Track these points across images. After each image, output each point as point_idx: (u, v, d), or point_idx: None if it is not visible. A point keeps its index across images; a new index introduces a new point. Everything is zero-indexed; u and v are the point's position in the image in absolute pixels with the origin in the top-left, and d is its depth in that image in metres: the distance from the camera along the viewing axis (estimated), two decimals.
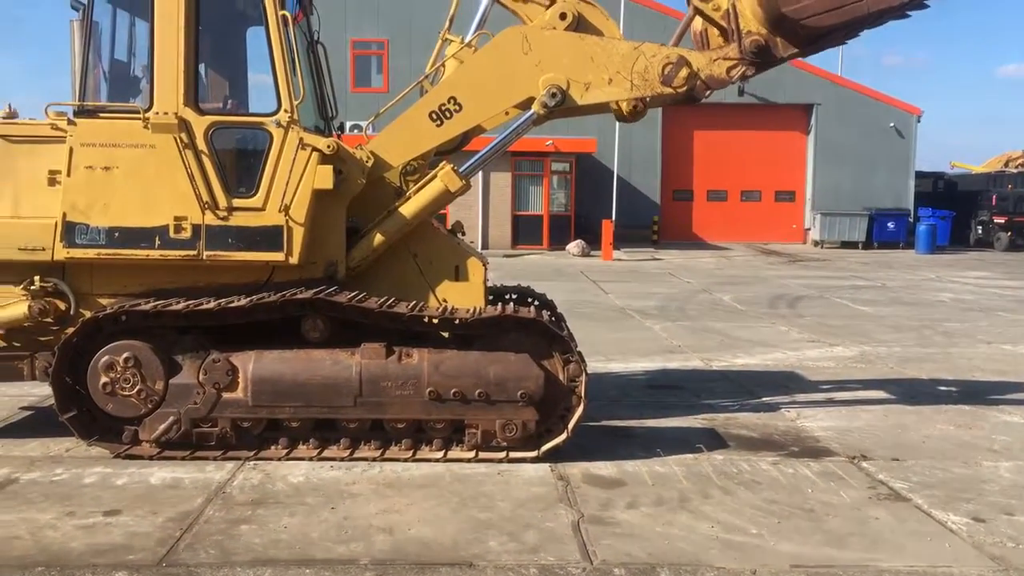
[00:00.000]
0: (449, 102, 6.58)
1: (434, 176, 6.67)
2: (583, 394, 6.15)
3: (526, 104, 6.65)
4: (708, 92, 6.67)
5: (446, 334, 6.52)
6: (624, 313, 14.14)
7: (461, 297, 6.75)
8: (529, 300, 7.74)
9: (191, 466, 5.98)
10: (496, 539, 4.76)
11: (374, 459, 6.13)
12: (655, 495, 5.49)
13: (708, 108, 31.34)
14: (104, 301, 6.52)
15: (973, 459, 6.30)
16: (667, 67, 6.47)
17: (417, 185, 6.72)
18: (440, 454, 6.19)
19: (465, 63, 6.80)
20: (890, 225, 30.90)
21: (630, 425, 7.12)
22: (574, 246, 26.67)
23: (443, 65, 7.05)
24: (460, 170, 6.70)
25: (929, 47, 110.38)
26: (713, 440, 6.74)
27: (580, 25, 6.63)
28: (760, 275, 21.51)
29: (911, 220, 31.25)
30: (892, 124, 32.16)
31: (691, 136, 31.87)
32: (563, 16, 6.58)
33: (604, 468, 6.02)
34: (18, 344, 6.61)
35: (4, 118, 6.62)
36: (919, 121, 32.68)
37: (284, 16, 6.42)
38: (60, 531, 4.82)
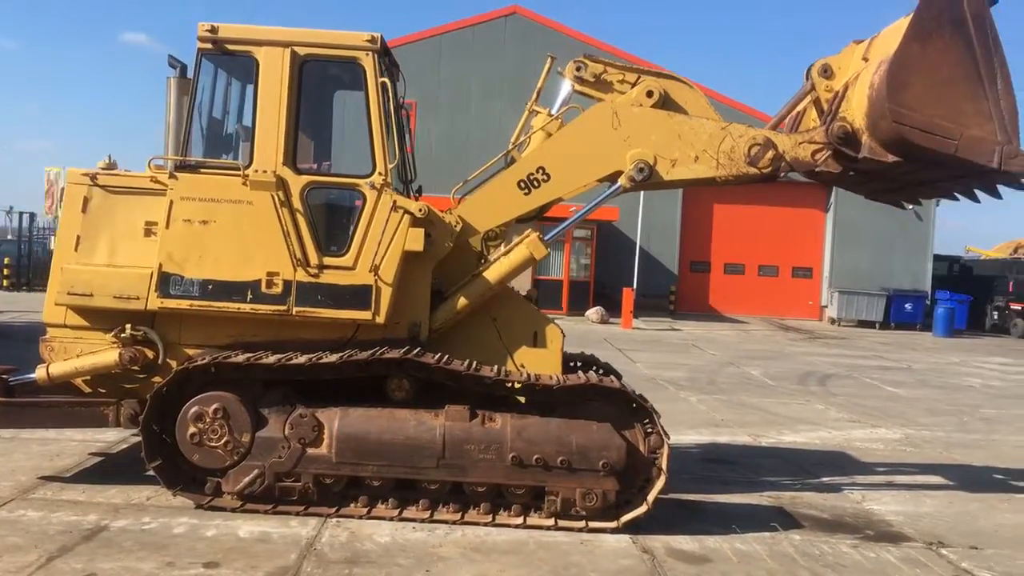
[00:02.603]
0: (538, 172, 6.75)
1: (520, 243, 6.82)
2: (664, 467, 6.19)
3: (613, 177, 6.82)
4: (789, 171, 6.83)
5: (523, 399, 6.60)
6: (656, 383, 14.17)
7: (538, 363, 6.83)
8: (595, 368, 7.82)
9: (275, 520, 6.00)
10: None
11: (454, 522, 6.15)
12: (744, 573, 5.51)
13: None
14: (191, 351, 6.61)
15: None
16: (754, 148, 6.64)
17: (503, 251, 6.85)
18: (519, 520, 6.21)
19: (555, 135, 6.97)
20: (907, 306, 31.03)
21: (698, 499, 7.13)
22: (593, 312, 26.76)
23: (529, 136, 7.23)
24: (545, 238, 6.86)
25: None
26: (786, 519, 6.75)
27: (666, 102, 6.83)
28: (784, 351, 21.56)
29: (928, 302, 31.38)
30: (911, 206, 32.44)
31: (710, 209, 32.18)
32: (650, 94, 6.78)
33: (685, 543, 6.03)
34: (103, 390, 6.69)
35: (104, 168, 6.78)
36: (937, 204, 33.00)
37: (383, 83, 6.63)
38: None
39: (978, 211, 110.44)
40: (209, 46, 6.63)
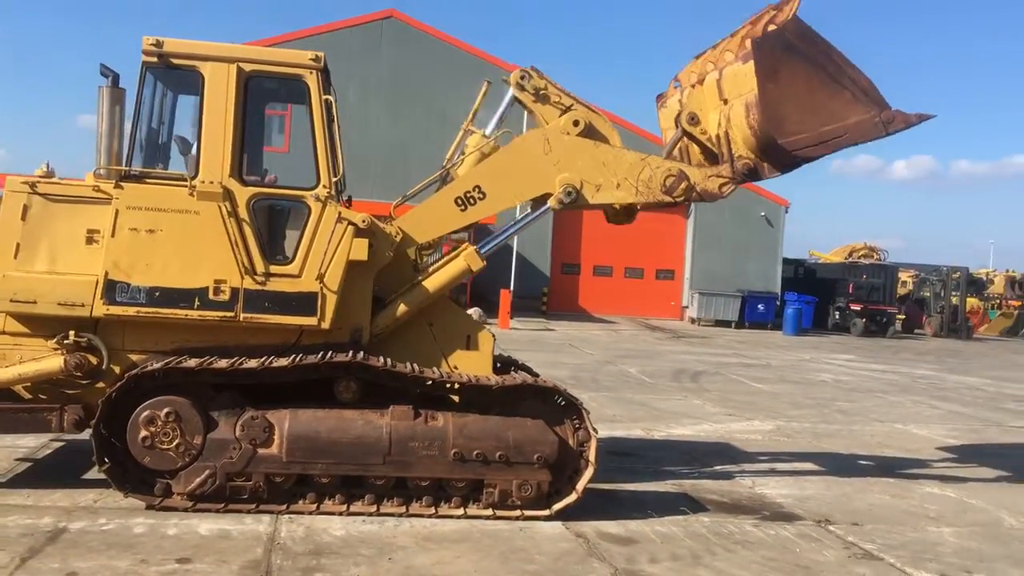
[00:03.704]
0: (474, 190, 7.25)
1: (457, 255, 7.30)
2: (593, 459, 6.81)
3: (543, 198, 7.39)
4: (698, 200, 7.59)
5: (457, 399, 7.07)
6: None
7: (471, 365, 7.33)
8: (513, 368, 8.36)
9: (228, 518, 6.26)
10: None
11: (400, 515, 6.57)
12: (668, 552, 6.18)
13: None
14: (134, 357, 6.77)
15: (918, 525, 7.29)
16: (669, 179, 7.35)
17: (441, 262, 7.32)
18: (460, 511, 6.69)
19: (492, 157, 7.47)
20: (760, 307, 33.09)
21: (612, 488, 7.77)
22: (473, 313, 27.15)
23: (463, 156, 7.71)
24: (481, 250, 7.36)
25: None
26: (692, 504, 7.49)
27: (590, 132, 7.44)
28: (654, 349, 22.76)
29: (778, 303, 33.56)
30: (763, 213, 34.65)
31: (580, 213, 33.29)
32: (576, 123, 7.38)
33: (612, 527, 6.66)
34: (44, 396, 6.75)
35: (42, 176, 6.83)
36: (787, 211, 35.35)
37: (327, 100, 6.97)
38: None
39: (816, 217, 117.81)
40: (154, 59, 6.81)
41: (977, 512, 7.82)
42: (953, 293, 37.62)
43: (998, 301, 46.54)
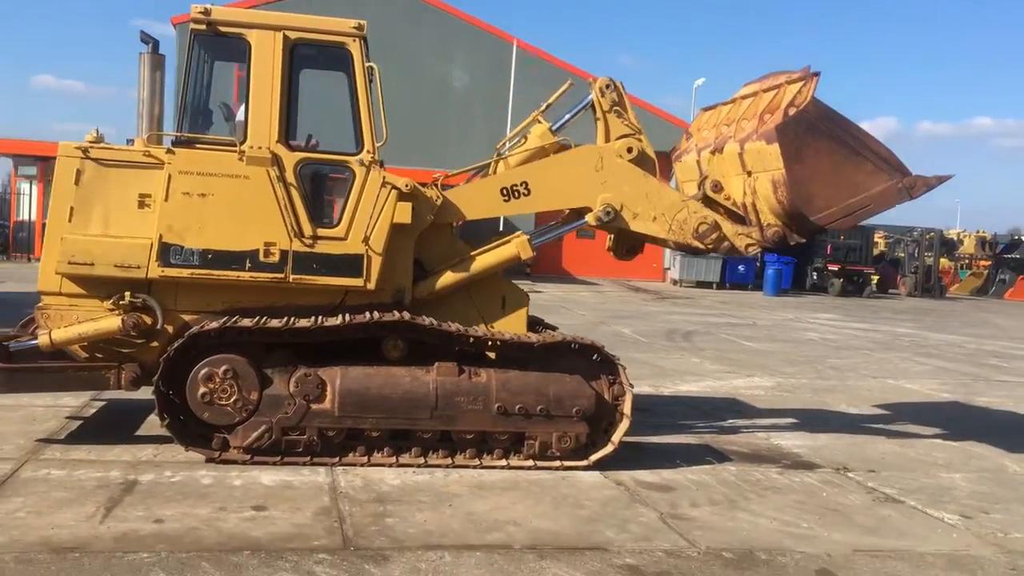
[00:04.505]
0: (521, 185, 7.54)
1: (509, 241, 7.64)
2: (628, 412, 7.16)
3: (582, 211, 7.70)
4: (727, 252, 7.90)
5: (494, 356, 7.38)
6: None
7: (506, 324, 7.65)
8: (540, 327, 8.69)
9: (285, 470, 6.56)
10: (608, 530, 5.69)
11: (446, 466, 6.90)
12: (706, 498, 6.57)
13: None
14: (187, 317, 7.00)
15: (930, 472, 7.74)
16: (703, 226, 7.64)
17: (493, 244, 7.65)
18: (502, 462, 7.03)
19: (545, 160, 7.76)
20: (740, 268, 33.63)
21: (638, 441, 8.13)
22: None
23: (525, 138, 8.01)
24: (534, 241, 7.66)
25: None
26: (716, 455, 7.89)
27: (641, 160, 7.73)
28: (642, 310, 23.19)
29: (758, 264, 34.12)
30: None
31: None
32: (630, 150, 7.67)
33: (647, 476, 7.03)
34: (100, 356, 6.98)
35: (91, 142, 6.99)
36: None
37: (370, 67, 7.18)
38: (230, 523, 5.37)
39: None
40: (202, 27, 6.96)
41: (981, 459, 8.29)
42: (927, 254, 38.45)
43: (968, 261, 47.61)
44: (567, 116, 8.03)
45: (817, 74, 7.12)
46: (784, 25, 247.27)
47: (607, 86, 7.81)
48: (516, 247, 7.61)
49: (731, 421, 9.48)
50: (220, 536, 5.15)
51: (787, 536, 5.80)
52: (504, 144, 8.14)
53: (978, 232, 50.21)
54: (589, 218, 7.64)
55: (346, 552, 5.03)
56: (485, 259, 7.57)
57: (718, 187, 7.87)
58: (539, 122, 7.98)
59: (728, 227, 7.70)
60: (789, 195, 7.17)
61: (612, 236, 8.27)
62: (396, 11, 32.28)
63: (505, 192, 7.52)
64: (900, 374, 14.09)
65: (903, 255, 39.46)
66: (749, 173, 7.56)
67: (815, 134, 7.12)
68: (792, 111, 7.13)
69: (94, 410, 8.20)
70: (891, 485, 7.19)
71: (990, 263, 45.21)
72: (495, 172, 7.91)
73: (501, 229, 8.05)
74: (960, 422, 10.16)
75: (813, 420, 9.80)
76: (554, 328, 8.81)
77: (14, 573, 4.46)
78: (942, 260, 41.52)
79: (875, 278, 37.01)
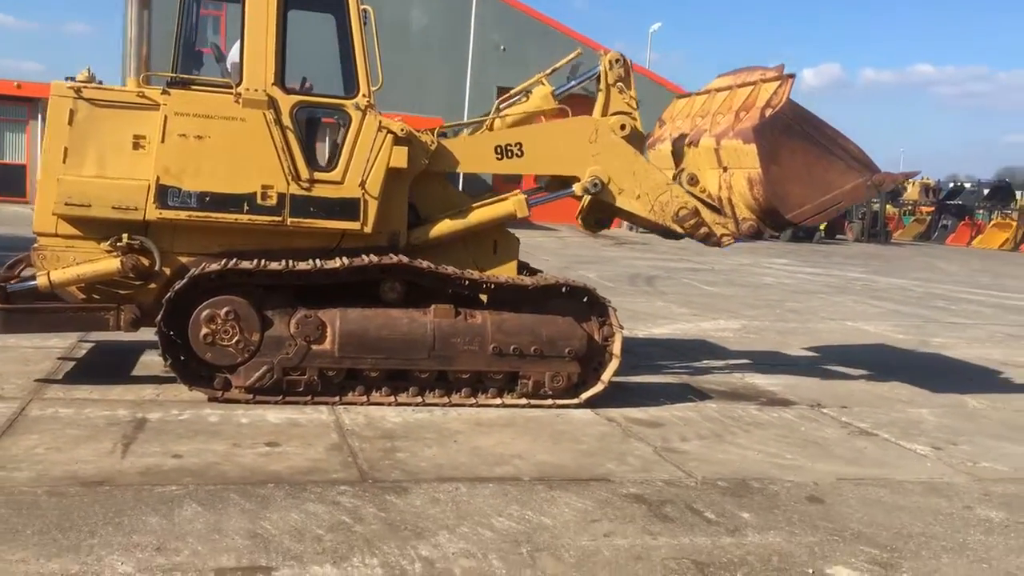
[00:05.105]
0: (515, 146, 7.67)
1: (507, 198, 7.78)
2: (618, 352, 7.42)
3: (569, 180, 7.86)
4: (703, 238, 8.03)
5: (485, 298, 7.57)
6: None
7: (498, 267, 7.83)
8: (526, 271, 8.88)
9: (289, 409, 6.71)
10: (608, 463, 5.97)
11: (444, 405, 7.11)
12: (694, 432, 6.89)
13: None
14: (184, 259, 7.06)
15: (897, 407, 8.16)
16: (683, 211, 7.83)
17: (491, 199, 7.81)
18: (497, 400, 7.27)
19: (542, 124, 7.93)
20: None
21: (622, 380, 8.40)
22: None
23: (526, 95, 8.13)
24: (531, 201, 7.82)
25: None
26: (696, 393, 8.21)
27: (633, 138, 7.88)
28: (603, 255, 23.54)
29: None
30: None
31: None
32: (623, 127, 7.80)
33: (636, 413, 7.33)
34: (97, 297, 7.02)
35: (83, 82, 6.94)
36: None
37: (365, 10, 7.20)
38: (248, 458, 5.53)
39: None
40: None
41: (943, 396, 8.74)
42: (873, 201, 39.30)
43: (911, 207, 48.80)
44: (572, 83, 8.20)
45: (792, 76, 7.34)
46: None
47: (616, 60, 7.94)
48: (513, 205, 7.76)
49: (705, 362, 9.83)
50: (242, 470, 5.31)
51: (774, 467, 6.14)
52: (506, 100, 8.24)
53: (922, 179, 51.33)
54: (576, 187, 7.80)
55: (365, 484, 5.24)
56: (482, 213, 7.71)
57: (694, 180, 8.05)
58: (543, 84, 8.08)
59: (708, 216, 7.91)
60: (765, 193, 7.40)
61: (585, 205, 8.40)
62: None
63: (499, 150, 7.65)
64: (857, 316, 14.61)
65: None
66: (725, 168, 7.77)
67: (790, 135, 7.35)
68: (768, 112, 7.33)
69: (84, 351, 8.24)
70: (863, 420, 7.59)
71: (932, 209, 46.46)
72: (491, 128, 8.01)
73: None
74: (919, 361, 10.66)
75: (782, 360, 10.21)
76: (539, 271, 9.03)
77: (49, 506, 4.58)
78: (887, 207, 42.51)
79: (823, 224, 37.81)
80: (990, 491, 5.88)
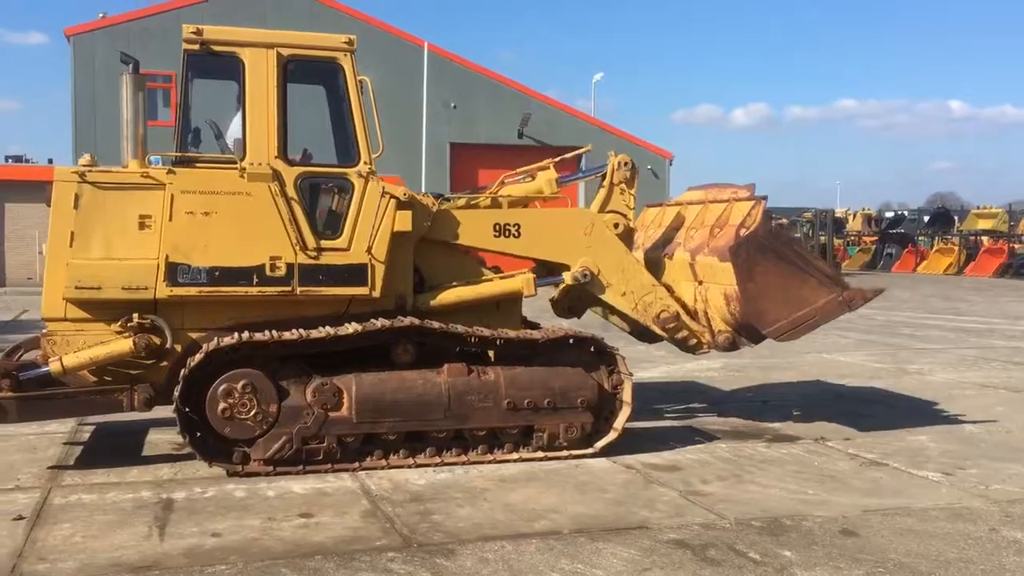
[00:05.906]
0: (514, 227, 7.86)
1: (518, 276, 7.95)
2: (629, 399, 7.55)
3: (560, 268, 8.06)
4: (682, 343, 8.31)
5: (492, 354, 7.67)
6: None
7: (502, 322, 7.92)
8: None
9: (311, 479, 6.70)
10: (641, 510, 6.05)
11: (462, 463, 7.15)
12: (713, 474, 7.01)
13: (492, 149, 33.76)
14: (194, 335, 7.05)
15: (897, 436, 8.37)
16: (664, 313, 8.09)
17: (503, 275, 7.96)
18: (514, 455, 7.33)
19: (542, 210, 8.27)
20: None
21: (629, 427, 8.52)
22: None
23: (532, 176, 8.39)
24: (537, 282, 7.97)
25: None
26: (703, 435, 8.36)
27: (624, 237, 8.17)
28: None
29: None
30: (649, 167, 36.03)
31: (476, 174, 33.90)
32: (616, 225, 8.10)
33: (651, 459, 7.43)
34: (109, 379, 6.96)
35: (86, 166, 6.96)
36: (671, 164, 36.92)
37: (362, 81, 7.36)
38: (287, 532, 5.51)
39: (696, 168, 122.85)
40: (195, 47, 7.03)
41: (939, 421, 9.01)
42: (820, 233, 40.28)
43: (856, 238, 50.02)
44: (579, 175, 8.48)
45: (764, 197, 7.66)
46: (662, 15, 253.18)
47: (624, 163, 8.25)
48: (522, 283, 7.88)
49: (700, 403, 10.00)
50: (285, 544, 5.29)
51: (800, 503, 6.27)
52: (512, 177, 8.46)
53: (863, 210, 52.73)
54: (567, 276, 7.97)
55: (411, 549, 5.25)
56: (490, 287, 7.84)
57: (668, 289, 8.23)
58: (550, 168, 8.29)
59: (689, 323, 8.13)
60: (743, 310, 7.61)
61: (559, 291, 8.56)
62: (295, 16, 31.96)
63: (497, 228, 7.82)
64: (831, 348, 14.94)
65: (799, 235, 41.16)
66: (700, 282, 8.01)
67: (764, 253, 7.58)
68: (743, 232, 7.58)
69: (87, 435, 8.12)
70: (869, 450, 7.78)
71: (876, 239, 47.67)
72: (491, 200, 8.18)
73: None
74: (904, 389, 10.94)
75: (773, 396, 10.43)
76: (536, 324, 9.15)
77: None
78: (833, 239, 43.53)
79: None
80: (1010, 512, 6.07)
